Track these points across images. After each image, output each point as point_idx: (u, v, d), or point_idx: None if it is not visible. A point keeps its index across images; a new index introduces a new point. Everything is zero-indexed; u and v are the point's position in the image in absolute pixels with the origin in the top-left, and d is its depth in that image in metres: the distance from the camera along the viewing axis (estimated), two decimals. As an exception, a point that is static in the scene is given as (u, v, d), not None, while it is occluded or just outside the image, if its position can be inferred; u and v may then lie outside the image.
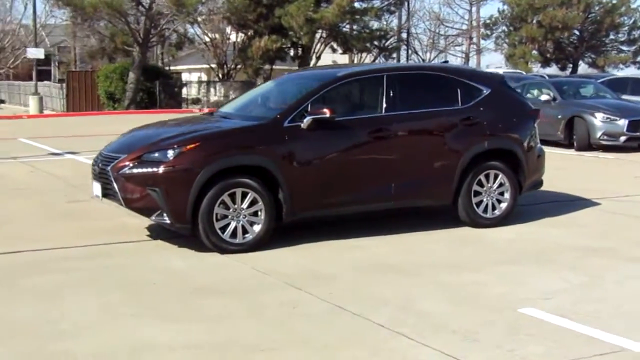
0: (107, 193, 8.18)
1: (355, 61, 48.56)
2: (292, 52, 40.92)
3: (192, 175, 7.72)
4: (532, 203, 10.61)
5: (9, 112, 38.43)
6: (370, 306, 6.13)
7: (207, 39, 43.32)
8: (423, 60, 57.40)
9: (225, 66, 44.86)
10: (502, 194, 9.27)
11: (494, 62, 62.10)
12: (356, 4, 40.09)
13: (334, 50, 42.05)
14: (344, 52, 42.95)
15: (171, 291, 6.61)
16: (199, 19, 38.03)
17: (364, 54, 46.65)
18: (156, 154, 7.87)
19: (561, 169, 15.25)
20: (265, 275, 7.13)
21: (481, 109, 9.18)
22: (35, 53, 34.66)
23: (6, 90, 60.36)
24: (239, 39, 41.79)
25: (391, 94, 8.75)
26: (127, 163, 7.92)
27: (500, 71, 41.87)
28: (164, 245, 8.35)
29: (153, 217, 7.92)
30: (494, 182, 9.21)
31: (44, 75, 67.69)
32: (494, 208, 9.25)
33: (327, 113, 8.16)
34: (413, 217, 9.50)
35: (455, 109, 9.11)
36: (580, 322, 5.73)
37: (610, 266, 7.47)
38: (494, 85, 9.47)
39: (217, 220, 7.85)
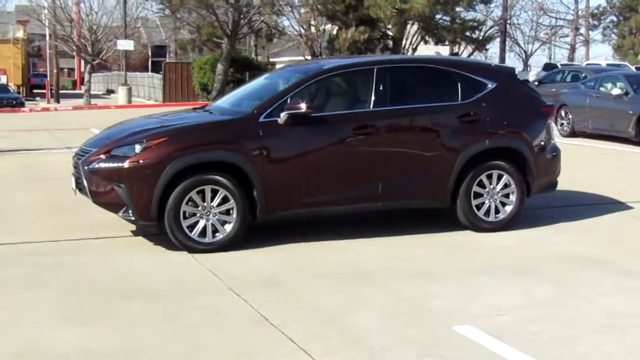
0: (79, 187, 8.04)
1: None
2: (381, 44, 40.22)
3: (157, 171, 7.46)
4: (557, 205, 9.90)
5: (113, 101, 39.50)
6: (297, 317, 5.72)
7: (301, 31, 43.17)
8: (525, 52, 55.70)
9: (319, 58, 44.64)
10: (507, 196, 8.61)
11: (601, 53, 59.43)
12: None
13: (426, 42, 41.18)
14: (437, 44, 41.98)
15: (107, 292, 6.37)
16: (287, 10, 37.92)
17: (461, 46, 45.62)
18: (123, 149, 7.66)
19: (617, 168, 14.33)
20: (215, 277, 6.80)
21: (483, 104, 8.54)
22: (125, 45, 35.48)
23: (116, 81, 62.44)
24: (332, 31, 41.49)
25: (381, 88, 8.22)
26: (96, 157, 7.74)
27: (604, 63, 40.14)
28: (140, 242, 8.15)
29: (120, 214, 7.70)
30: (497, 183, 8.55)
31: (159, 67, 69.57)
32: (497, 211, 8.59)
33: (302, 108, 7.74)
34: (413, 219, 8.97)
35: (453, 105, 8.49)
36: (514, 345, 5.13)
37: (595, 280, 6.75)
38: (500, 79, 8.78)
39: (185, 218, 7.57)
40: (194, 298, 6.20)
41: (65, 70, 79.99)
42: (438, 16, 39.76)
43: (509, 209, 8.61)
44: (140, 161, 7.50)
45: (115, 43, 36.98)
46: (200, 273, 6.95)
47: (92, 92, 48.83)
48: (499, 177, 8.55)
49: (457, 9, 39.16)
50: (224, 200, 7.65)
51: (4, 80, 52.59)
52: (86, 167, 7.75)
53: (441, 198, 8.44)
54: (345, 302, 6.11)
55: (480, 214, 8.52)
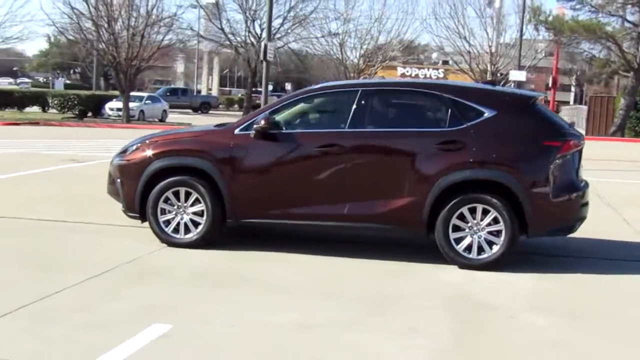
0: (111, 181, 9.46)
1: None
2: None
3: (138, 171, 8.62)
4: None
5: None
6: (115, 302, 6.43)
7: None
8: None
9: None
10: (497, 234, 7.91)
11: None
12: None
13: None
14: None
15: (42, 263, 7.69)
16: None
17: None
18: (127, 149, 8.97)
19: None
20: (127, 264, 7.70)
21: (472, 132, 7.98)
22: (518, 76, 35.46)
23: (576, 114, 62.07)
24: None
25: (361, 111, 8.24)
26: (117, 155, 9.16)
27: None
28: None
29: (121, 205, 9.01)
30: (482, 219, 7.92)
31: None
32: (481, 249, 7.95)
33: (261, 123, 8.22)
34: (418, 248, 8.73)
35: (433, 131, 8.11)
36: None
37: (473, 319, 6.34)
38: (503, 108, 8.07)
39: (163, 214, 8.56)
40: (73, 275, 7.14)
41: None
42: None
43: (495, 248, 7.91)
44: (130, 161, 8.75)
45: (508, 74, 37.41)
46: (126, 260, 7.84)
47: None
48: (485, 212, 7.91)
49: None
50: (196, 202, 8.47)
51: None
52: (110, 165, 9.23)
53: (414, 226, 8.10)
54: (176, 303, 6.48)
55: (460, 248, 7.98)
